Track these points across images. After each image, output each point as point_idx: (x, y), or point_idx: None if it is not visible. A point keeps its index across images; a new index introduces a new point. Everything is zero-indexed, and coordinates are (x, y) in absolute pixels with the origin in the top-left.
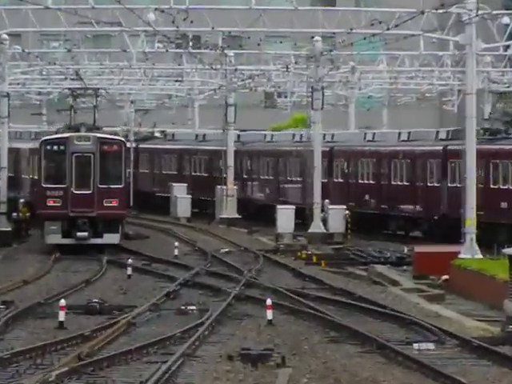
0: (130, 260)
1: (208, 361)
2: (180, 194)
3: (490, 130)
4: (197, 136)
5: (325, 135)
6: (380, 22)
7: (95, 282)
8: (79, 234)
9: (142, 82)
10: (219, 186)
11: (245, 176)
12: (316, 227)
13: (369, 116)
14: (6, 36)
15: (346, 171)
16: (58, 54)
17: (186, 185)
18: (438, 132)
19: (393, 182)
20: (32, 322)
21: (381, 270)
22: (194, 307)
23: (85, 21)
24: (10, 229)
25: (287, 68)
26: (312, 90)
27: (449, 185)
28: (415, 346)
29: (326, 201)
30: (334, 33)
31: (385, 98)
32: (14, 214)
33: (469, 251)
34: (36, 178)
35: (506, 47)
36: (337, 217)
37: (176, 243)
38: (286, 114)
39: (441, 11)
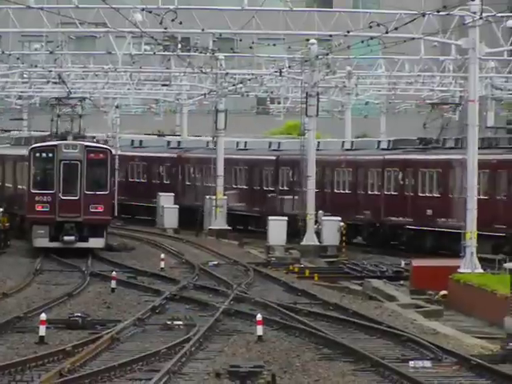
0: (114, 273)
1: (195, 378)
2: (167, 203)
3: (424, 140)
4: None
5: (271, 143)
6: (378, 25)
7: (78, 295)
8: (66, 237)
9: (128, 86)
10: (208, 196)
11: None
12: (309, 239)
13: (366, 123)
14: None
15: (291, 180)
16: (40, 56)
17: (173, 194)
18: (379, 142)
19: (335, 190)
20: (11, 337)
21: (376, 285)
22: (180, 322)
23: (68, 21)
24: None
25: (281, 72)
26: (306, 95)
27: (385, 193)
28: (411, 363)
29: (320, 212)
30: (330, 35)
31: (383, 104)
32: None
33: (468, 265)
34: (21, 185)
35: (511, 52)
36: (331, 229)
37: (162, 255)
38: (279, 120)
39: (443, 13)
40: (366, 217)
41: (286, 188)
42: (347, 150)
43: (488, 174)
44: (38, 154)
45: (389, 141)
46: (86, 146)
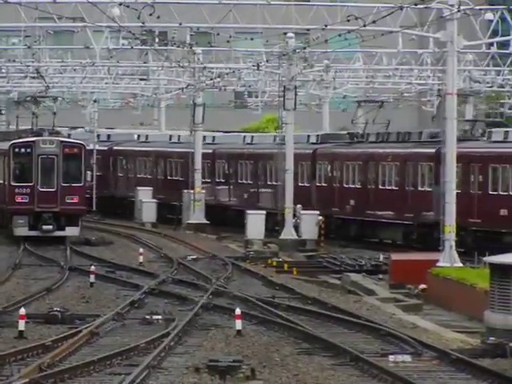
0: (92, 267)
1: (174, 373)
2: (145, 198)
3: (352, 134)
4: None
5: (205, 137)
6: (356, 18)
7: (57, 289)
8: (44, 227)
9: (106, 80)
10: (186, 191)
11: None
12: (287, 233)
13: (344, 117)
14: None
15: (227, 172)
16: (18, 50)
17: (151, 188)
18: (309, 136)
19: (268, 182)
20: None
21: (355, 279)
22: (159, 317)
23: (46, 16)
24: None
25: (258, 66)
26: (284, 89)
27: (317, 184)
28: (391, 358)
29: (299, 206)
30: (307, 29)
31: (361, 97)
32: None
33: (448, 259)
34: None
35: (490, 45)
36: (309, 223)
37: (141, 249)
38: (257, 114)
39: (421, 6)
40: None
41: (222, 180)
42: (278, 143)
43: (399, 167)
44: (17, 150)
45: (317, 135)
46: (62, 142)
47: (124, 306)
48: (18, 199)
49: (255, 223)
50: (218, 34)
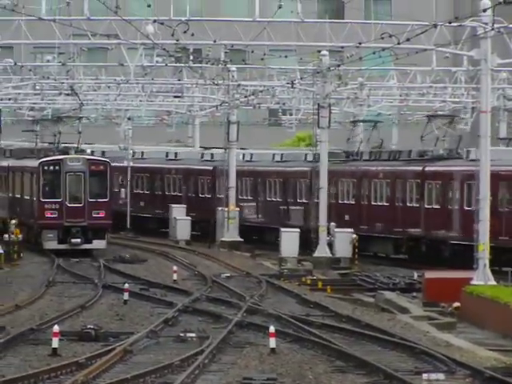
0: (126, 285)
1: None
2: (179, 215)
3: (347, 153)
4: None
5: (203, 154)
6: (390, 36)
7: (90, 307)
8: (73, 240)
9: (140, 97)
10: (220, 208)
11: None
12: (321, 251)
13: (377, 134)
14: None
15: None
16: (52, 67)
17: (185, 206)
18: (306, 154)
19: (268, 199)
20: (24, 349)
21: (389, 297)
22: (193, 334)
23: (80, 33)
24: (1, 251)
25: (292, 84)
26: (318, 107)
27: (315, 201)
28: (425, 376)
29: (332, 224)
30: (341, 47)
31: (395, 115)
32: (6, 236)
33: (481, 277)
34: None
35: None
36: (343, 241)
37: (175, 267)
38: (291, 132)
39: (455, 24)
40: (294, 223)
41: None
42: (277, 161)
43: (389, 184)
44: (46, 167)
45: (314, 154)
46: (89, 160)
47: (158, 324)
48: (48, 214)
49: (289, 241)
50: (253, 52)
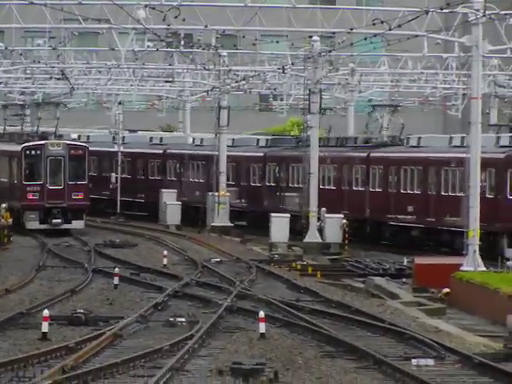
0: (116, 269)
1: (197, 375)
2: (169, 200)
3: (298, 138)
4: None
5: (151, 138)
6: (382, 22)
7: (80, 291)
8: (54, 220)
9: (131, 82)
10: (210, 193)
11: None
12: (312, 237)
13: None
14: None
15: (179, 171)
16: (43, 51)
17: (175, 191)
18: (258, 140)
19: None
20: (14, 333)
21: (379, 282)
22: (183, 319)
23: (71, 17)
24: None
25: (283, 69)
26: (309, 92)
27: (267, 184)
28: (414, 361)
29: (323, 209)
30: (333, 32)
31: (386, 101)
32: None
33: (471, 263)
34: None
35: None
36: (334, 226)
37: (165, 252)
38: (282, 117)
39: (446, 11)
40: (248, 204)
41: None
42: (230, 146)
43: (337, 169)
44: (28, 152)
45: (266, 139)
46: (68, 144)
47: (148, 309)
48: (30, 196)
49: (280, 226)
50: (244, 37)
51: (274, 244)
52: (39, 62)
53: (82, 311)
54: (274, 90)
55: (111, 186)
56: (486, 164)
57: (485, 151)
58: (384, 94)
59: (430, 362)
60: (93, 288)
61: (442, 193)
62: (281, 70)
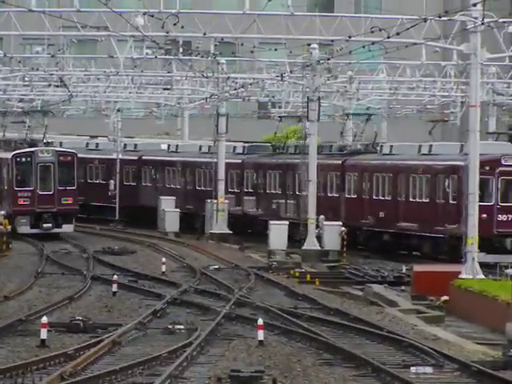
0: (115, 276)
1: (196, 382)
2: (168, 207)
3: (274, 146)
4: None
5: (124, 145)
6: (380, 30)
7: (79, 298)
8: (45, 225)
9: (130, 89)
10: (209, 200)
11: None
12: (310, 244)
13: (367, 128)
14: None
15: (154, 177)
16: (42, 59)
17: (174, 198)
18: (235, 147)
19: (197, 188)
20: (12, 340)
21: (378, 290)
22: (181, 326)
23: (70, 25)
24: None
25: (282, 77)
26: (308, 100)
27: (245, 190)
28: (412, 369)
29: (321, 217)
30: (331, 40)
31: (384, 109)
32: None
33: (470, 271)
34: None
35: None
36: (332, 233)
37: (163, 259)
38: (280, 125)
39: (444, 19)
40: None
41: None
42: (204, 153)
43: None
44: (18, 159)
45: (243, 147)
46: (57, 151)
47: (146, 316)
48: (21, 202)
49: (278, 233)
50: (242, 44)
51: (272, 251)
52: (38, 69)
53: (80, 318)
54: (273, 97)
55: (109, 194)
56: (449, 171)
57: (448, 159)
58: (382, 102)
59: (429, 369)
60: (91, 295)
61: (410, 199)
62: (279, 78)
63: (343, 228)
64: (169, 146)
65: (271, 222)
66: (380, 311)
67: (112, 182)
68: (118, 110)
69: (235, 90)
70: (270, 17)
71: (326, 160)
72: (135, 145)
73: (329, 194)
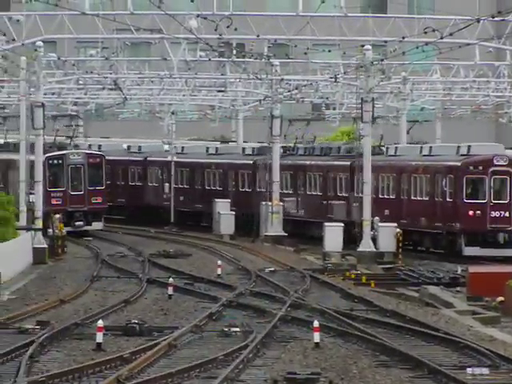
0: (170, 279)
1: None
2: (223, 210)
3: (285, 148)
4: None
5: (129, 147)
6: (434, 30)
7: (135, 302)
8: (76, 223)
9: (184, 92)
10: (264, 202)
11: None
12: (365, 246)
13: (421, 129)
14: (41, 43)
15: (161, 177)
16: (95, 62)
17: (229, 200)
18: (244, 148)
19: (206, 187)
20: (69, 344)
21: (433, 291)
22: (237, 329)
23: (123, 27)
24: (45, 246)
25: (336, 78)
26: (362, 101)
27: (257, 190)
28: (469, 370)
29: (376, 218)
30: (385, 41)
31: (438, 110)
32: (50, 231)
33: None
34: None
35: None
36: (387, 235)
37: (219, 262)
38: (334, 126)
39: (498, 19)
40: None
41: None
42: (212, 154)
43: (322, 176)
44: (51, 161)
45: (253, 148)
46: (87, 154)
47: (202, 319)
48: (54, 201)
49: (333, 235)
50: (296, 46)
51: (327, 253)
52: (92, 72)
53: (136, 321)
54: (327, 99)
55: (164, 196)
56: (446, 171)
57: (446, 159)
58: (436, 103)
59: (485, 370)
60: (147, 298)
61: (412, 197)
62: (333, 79)
63: (398, 229)
64: (175, 147)
65: (326, 223)
66: (436, 312)
67: (167, 184)
68: (172, 113)
69: (289, 91)
70: (324, 18)
71: (335, 161)
72: (139, 147)
73: (338, 194)
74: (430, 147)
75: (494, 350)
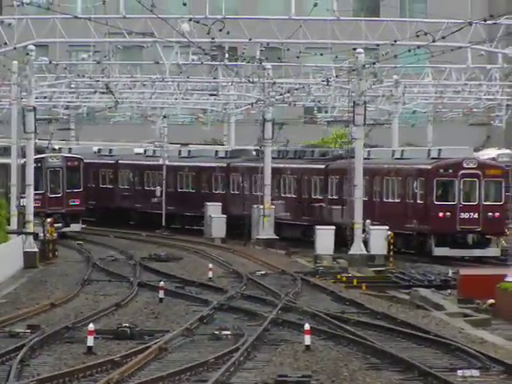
0: (161, 282)
1: None
2: (214, 213)
3: (258, 151)
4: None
5: (99, 150)
6: (426, 34)
7: (126, 305)
8: (55, 225)
9: (176, 95)
10: (255, 206)
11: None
12: (357, 249)
13: (413, 132)
14: (32, 47)
15: (132, 180)
16: (87, 65)
17: (220, 204)
18: (216, 151)
19: (179, 190)
20: (59, 347)
21: (424, 294)
22: (228, 332)
23: (115, 31)
24: (36, 250)
25: (328, 81)
26: (354, 104)
27: (231, 192)
28: (459, 372)
29: (368, 221)
30: (377, 44)
31: (430, 113)
32: (41, 235)
33: None
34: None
35: None
36: (378, 238)
37: (210, 265)
38: (327, 129)
39: (490, 22)
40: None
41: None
42: (185, 157)
43: (296, 179)
44: None
45: (226, 151)
46: (65, 157)
47: (193, 322)
48: (34, 204)
49: (324, 238)
50: (288, 50)
51: (318, 256)
52: (84, 75)
53: (127, 325)
54: (319, 102)
55: (156, 200)
56: (417, 174)
57: (417, 163)
58: (428, 106)
59: (476, 373)
60: (138, 302)
61: (384, 199)
62: (325, 83)
63: (389, 232)
64: (145, 150)
65: (317, 226)
66: (427, 315)
67: (158, 188)
68: (164, 117)
69: (281, 95)
70: (316, 22)
71: (309, 164)
72: (110, 150)
73: (313, 196)
74: (402, 151)
75: (484, 352)
